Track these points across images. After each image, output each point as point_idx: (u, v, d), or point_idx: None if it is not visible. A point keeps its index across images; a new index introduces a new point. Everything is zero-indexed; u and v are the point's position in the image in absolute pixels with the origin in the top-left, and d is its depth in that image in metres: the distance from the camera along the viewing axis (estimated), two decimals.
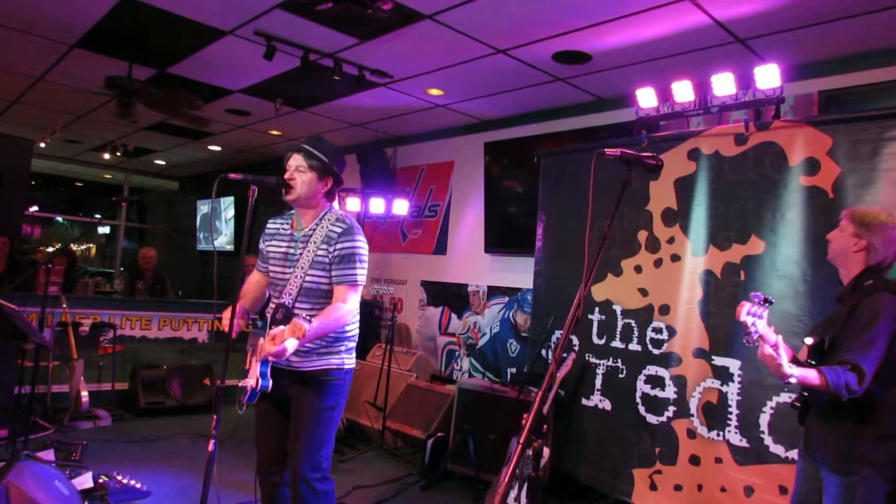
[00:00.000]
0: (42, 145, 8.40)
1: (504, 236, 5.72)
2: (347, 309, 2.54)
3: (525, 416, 1.60)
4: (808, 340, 2.32)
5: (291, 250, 2.66)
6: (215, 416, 2.25)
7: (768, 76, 3.43)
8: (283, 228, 2.76)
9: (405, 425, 5.12)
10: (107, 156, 9.48)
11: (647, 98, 3.99)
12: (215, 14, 4.08)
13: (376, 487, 4.28)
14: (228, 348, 2.57)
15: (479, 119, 6.06)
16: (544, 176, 4.68)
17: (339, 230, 2.60)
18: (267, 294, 2.86)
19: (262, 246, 2.83)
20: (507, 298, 5.72)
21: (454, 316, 6.22)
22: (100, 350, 5.90)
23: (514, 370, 5.48)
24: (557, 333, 4.34)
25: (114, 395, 5.85)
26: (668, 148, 3.84)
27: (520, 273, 5.45)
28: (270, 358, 2.39)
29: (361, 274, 2.59)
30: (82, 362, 5.35)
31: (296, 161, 2.61)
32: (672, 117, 3.95)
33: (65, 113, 7.07)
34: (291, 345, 2.31)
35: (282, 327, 2.35)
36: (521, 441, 1.56)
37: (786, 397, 3.18)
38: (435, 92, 5.32)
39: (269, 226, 2.83)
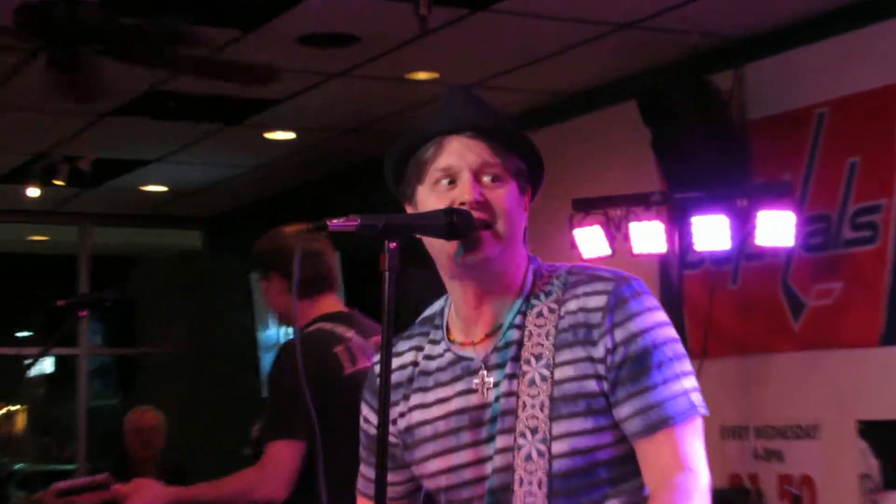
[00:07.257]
0: None
1: None
2: (703, 483, 0.83)
3: None
4: None
5: (485, 398, 0.91)
6: None
7: None
8: (437, 352, 0.98)
9: None
10: (33, 191, 5.75)
11: None
12: None
13: None
14: None
15: None
16: None
17: (597, 297, 0.85)
18: None
19: (369, 415, 1.01)
20: None
21: None
22: None
23: None
24: None
25: None
26: None
27: None
28: None
29: (693, 388, 0.84)
30: None
31: (474, 155, 0.86)
32: None
33: None
34: None
35: None
36: None
37: None
38: None
39: (393, 362, 0.89)
